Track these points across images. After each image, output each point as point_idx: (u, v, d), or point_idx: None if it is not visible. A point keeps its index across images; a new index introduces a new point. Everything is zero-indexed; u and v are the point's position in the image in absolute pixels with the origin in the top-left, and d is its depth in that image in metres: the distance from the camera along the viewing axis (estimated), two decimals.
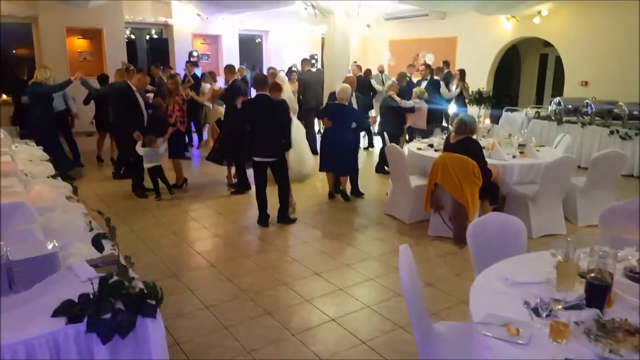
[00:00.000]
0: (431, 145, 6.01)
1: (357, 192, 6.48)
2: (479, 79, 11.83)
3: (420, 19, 12.92)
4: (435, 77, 9.33)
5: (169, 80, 6.77)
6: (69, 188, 3.76)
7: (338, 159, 6.12)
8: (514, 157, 5.55)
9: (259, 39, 14.37)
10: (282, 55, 13.60)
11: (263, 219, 5.38)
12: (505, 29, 11.93)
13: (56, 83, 7.01)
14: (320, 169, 6.36)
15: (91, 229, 2.93)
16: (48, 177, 4.02)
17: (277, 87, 5.60)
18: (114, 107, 6.58)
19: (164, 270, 4.18)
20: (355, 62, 12.78)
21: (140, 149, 5.98)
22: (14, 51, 11.38)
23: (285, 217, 5.42)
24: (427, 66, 11.45)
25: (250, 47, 14.71)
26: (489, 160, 5.08)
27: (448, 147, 5.08)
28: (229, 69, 6.73)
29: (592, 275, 1.98)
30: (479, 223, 2.96)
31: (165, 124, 6.39)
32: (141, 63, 12.79)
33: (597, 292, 1.94)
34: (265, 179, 5.34)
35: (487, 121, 6.44)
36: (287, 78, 8.25)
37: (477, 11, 10.45)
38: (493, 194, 5.21)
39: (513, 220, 2.95)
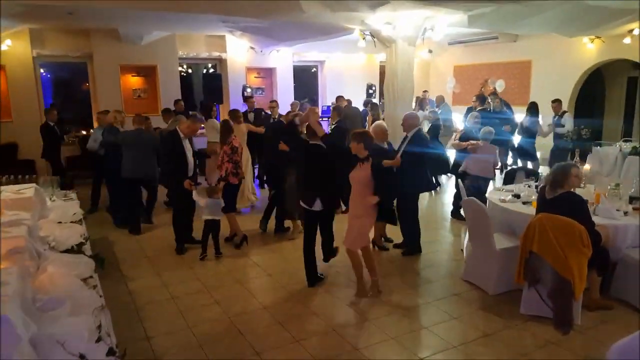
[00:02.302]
0: (517, 196, 5.02)
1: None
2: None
3: (489, 42, 11.90)
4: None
5: (222, 125, 6.02)
6: (91, 265, 3.20)
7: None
8: (625, 213, 4.48)
9: (314, 69, 13.92)
10: (339, 85, 13.02)
11: (312, 280, 4.69)
12: (588, 50, 10.65)
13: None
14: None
15: (98, 339, 2.29)
16: (73, 247, 3.51)
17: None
18: (159, 155, 6.13)
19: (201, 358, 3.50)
20: (425, 91, 11.98)
21: (200, 200, 5.41)
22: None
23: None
24: (495, 94, 10.39)
25: (304, 78, 14.27)
26: (594, 219, 4.06)
27: (544, 204, 4.10)
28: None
29: None
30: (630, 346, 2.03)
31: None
32: (197, 99, 12.69)
33: None
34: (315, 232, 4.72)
35: (587, 166, 5.35)
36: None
37: (557, 33, 9.32)
38: (602, 261, 4.16)
39: None
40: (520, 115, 9.93)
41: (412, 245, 5.55)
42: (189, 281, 4.88)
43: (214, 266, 5.32)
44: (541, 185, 5.12)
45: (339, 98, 9.85)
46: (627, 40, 9.58)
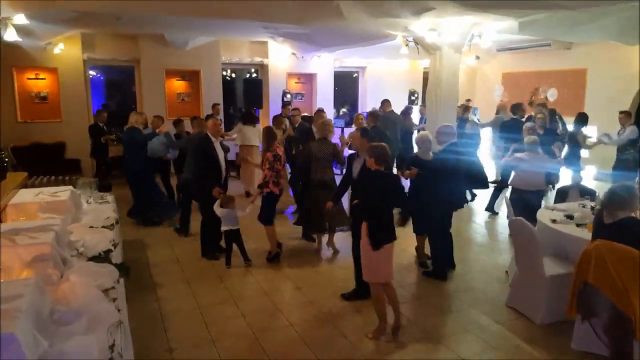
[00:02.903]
0: (570, 217, 4.60)
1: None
2: (614, 120, 9.75)
3: (541, 49, 11.30)
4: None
5: (264, 131, 5.67)
6: (114, 275, 3.13)
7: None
8: None
9: (355, 74, 13.72)
10: (380, 91, 12.74)
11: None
12: None
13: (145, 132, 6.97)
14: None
15: None
16: (100, 254, 3.46)
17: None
18: (190, 160, 6.09)
19: None
20: (468, 100, 11.47)
21: (218, 209, 5.30)
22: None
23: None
24: (543, 105, 9.81)
25: (345, 83, 14.10)
26: None
27: (601, 229, 3.70)
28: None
29: None
30: None
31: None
32: (239, 104, 12.79)
33: None
34: None
35: None
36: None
37: (615, 41, 8.69)
38: None
39: None
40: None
41: (436, 268, 5.14)
42: (217, 291, 4.78)
43: (243, 276, 5.20)
44: (597, 206, 4.71)
45: (385, 102, 9.55)
46: None
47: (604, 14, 6.74)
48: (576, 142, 7.97)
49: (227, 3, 6.51)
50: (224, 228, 5.36)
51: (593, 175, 9.76)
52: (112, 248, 3.59)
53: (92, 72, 13.28)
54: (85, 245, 3.55)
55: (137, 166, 6.79)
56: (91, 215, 4.43)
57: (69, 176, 5.91)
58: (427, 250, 5.40)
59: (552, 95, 11.29)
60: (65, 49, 9.64)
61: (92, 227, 4.04)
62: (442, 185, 4.89)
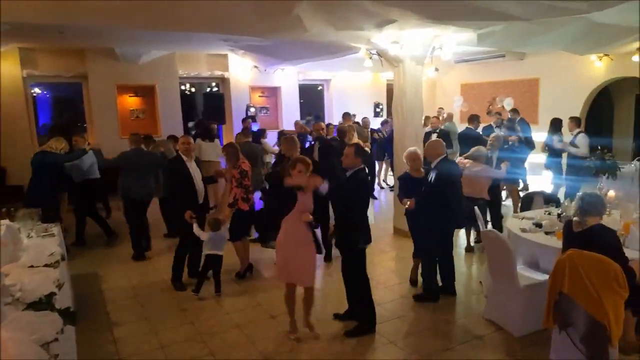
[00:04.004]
0: (539, 225, 4.66)
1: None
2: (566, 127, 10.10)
3: (496, 60, 11.66)
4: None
5: (227, 148, 5.45)
6: (57, 324, 2.74)
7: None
8: None
9: (320, 87, 13.70)
10: (345, 104, 12.76)
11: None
12: (596, 68, 10.39)
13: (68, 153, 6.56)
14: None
15: None
16: (41, 299, 3.03)
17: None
18: (163, 180, 5.84)
19: None
20: (441, 108, 11.64)
21: (201, 233, 5.00)
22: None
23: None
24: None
25: (310, 96, 14.05)
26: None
27: (571, 238, 3.74)
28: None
29: None
30: None
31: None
32: (198, 119, 12.43)
33: None
34: None
35: (611, 192, 4.99)
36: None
37: (566, 50, 9.07)
38: (638, 301, 3.77)
39: None
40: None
41: (428, 290, 4.89)
42: (181, 327, 4.41)
43: (210, 307, 4.83)
44: (563, 213, 4.79)
45: (345, 115, 9.52)
46: (636, 58, 9.31)
47: (556, 25, 6.99)
48: (554, 150, 8.13)
49: (181, 15, 6.20)
50: (207, 252, 5.05)
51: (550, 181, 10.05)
52: (56, 290, 3.17)
53: (36, 90, 12.60)
54: (23, 289, 3.07)
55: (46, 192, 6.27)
56: (32, 251, 3.92)
57: (8, 206, 5.35)
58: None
59: (508, 104, 11.65)
60: (1, 66, 8.95)
61: (32, 266, 3.62)
62: (440, 202, 4.65)
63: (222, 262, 5.12)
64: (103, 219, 7.15)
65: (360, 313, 4.25)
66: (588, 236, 3.62)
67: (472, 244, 6.38)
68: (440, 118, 10.53)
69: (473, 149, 6.26)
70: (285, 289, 4.15)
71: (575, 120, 8.27)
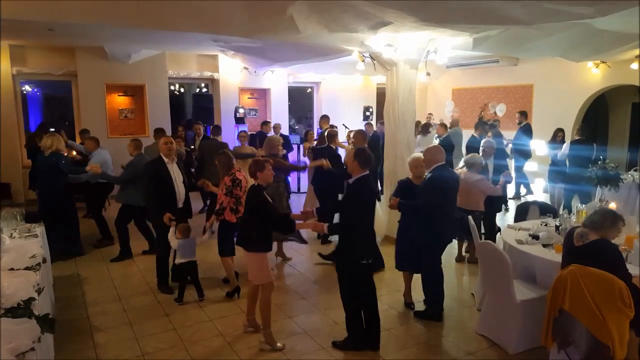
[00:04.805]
0: (536, 237, 4.48)
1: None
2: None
3: (489, 65, 11.56)
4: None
5: (219, 158, 5.05)
6: (34, 332, 2.60)
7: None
8: None
9: (309, 89, 13.51)
10: (335, 107, 12.59)
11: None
12: (592, 75, 10.31)
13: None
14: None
15: None
16: (19, 305, 2.90)
17: None
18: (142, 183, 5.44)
19: None
20: (430, 114, 11.45)
21: (173, 240, 4.77)
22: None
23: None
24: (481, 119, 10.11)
25: (299, 99, 13.86)
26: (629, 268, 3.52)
27: (572, 252, 3.57)
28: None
29: None
30: None
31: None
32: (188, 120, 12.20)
33: None
34: None
35: (612, 205, 4.83)
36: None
37: (563, 57, 8.97)
38: None
39: None
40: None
41: (434, 307, 4.56)
42: (164, 333, 4.24)
43: (195, 313, 4.66)
44: (561, 225, 4.63)
45: (323, 118, 9.41)
46: (635, 65, 9.24)
47: (554, 31, 6.86)
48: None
49: (171, 14, 6.00)
50: (179, 260, 4.83)
51: (543, 188, 9.97)
52: (36, 296, 3.04)
53: (27, 87, 12.28)
54: (2, 294, 2.99)
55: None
56: (13, 253, 3.80)
57: None
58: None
59: (501, 110, 11.58)
60: None
61: (12, 269, 3.46)
62: (426, 212, 4.36)
63: (196, 267, 4.92)
64: (105, 221, 6.89)
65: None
66: (589, 251, 3.45)
67: (463, 253, 6.21)
68: (438, 122, 10.48)
69: (468, 156, 6.09)
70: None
71: (561, 132, 8.50)
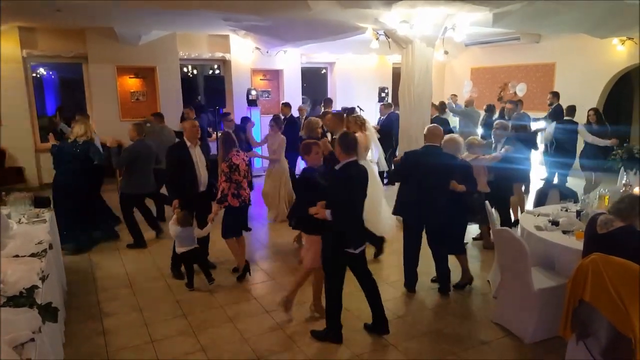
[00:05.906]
0: (555, 223, 4.28)
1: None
2: (583, 115, 9.53)
3: (509, 43, 11.13)
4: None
5: (220, 139, 5.01)
6: (35, 322, 2.54)
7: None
8: None
9: (324, 70, 13.24)
10: (349, 88, 12.33)
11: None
12: (618, 53, 9.84)
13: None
14: None
15: None
16: (22, 293, 2.85)
17: None
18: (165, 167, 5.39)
19: None
20: (454, 95, 11.04)
21: (172, 228, 4.72)
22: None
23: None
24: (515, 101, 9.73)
25: (313, 80, 13.59)
26: None
27: (594, 240, 3.37)
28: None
29: None
30: None
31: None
32: (203, 102, 12.05)
33: None
34: None
35: (637, 189, 4.59)
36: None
37: (588, 33, 8.54)
38: None
39: None
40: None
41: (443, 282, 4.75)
42: (173, 320, 4.20)
43: (204, 299, 4.62)
44: (582, 211, 4.42)
45: (327, 102, 9.24)
46: None
47: (579, 6, 6.50)
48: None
49: None
50: (179, 250, 4.78)
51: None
52: (39, 284, 2.99)
53: (41, 71, 12.31)
54: (5, 281, 2.93)
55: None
56: (20, 239, 3.76)
57: (7, 188, 5.16)
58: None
59: (521, 90, 11.17)
60: (1, 45, 8.66)
61: (17, 255, 3.42)
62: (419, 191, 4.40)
63: (200, 253, 4.89)
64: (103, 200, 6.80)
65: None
66: (613, 238, 3.26)
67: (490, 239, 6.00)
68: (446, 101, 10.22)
69: (469, 138, 5.82)
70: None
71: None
